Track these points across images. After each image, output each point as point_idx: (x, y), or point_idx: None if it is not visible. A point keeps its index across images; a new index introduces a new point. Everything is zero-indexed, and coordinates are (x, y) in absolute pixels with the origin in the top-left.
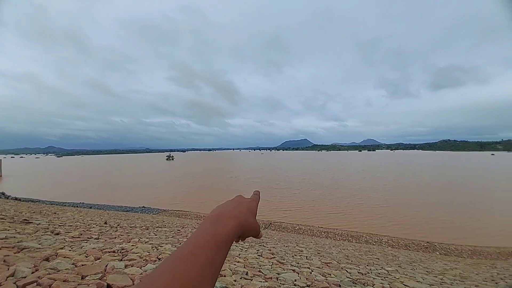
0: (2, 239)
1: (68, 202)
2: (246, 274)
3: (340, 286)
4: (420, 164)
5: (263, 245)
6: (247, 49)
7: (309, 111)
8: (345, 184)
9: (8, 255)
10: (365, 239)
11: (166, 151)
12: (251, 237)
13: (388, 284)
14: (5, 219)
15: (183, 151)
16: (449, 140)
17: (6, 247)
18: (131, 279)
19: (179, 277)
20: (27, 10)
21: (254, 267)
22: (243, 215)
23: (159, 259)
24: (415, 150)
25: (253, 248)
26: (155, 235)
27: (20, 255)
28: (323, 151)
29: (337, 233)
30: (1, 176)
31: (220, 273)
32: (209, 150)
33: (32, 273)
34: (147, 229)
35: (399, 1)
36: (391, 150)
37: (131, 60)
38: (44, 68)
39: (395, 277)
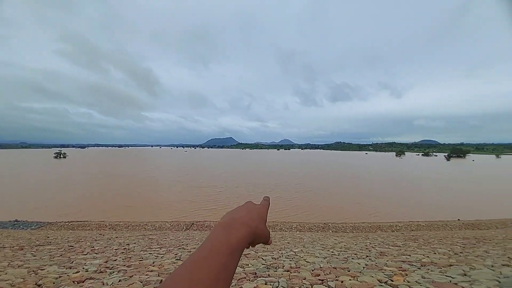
0: None
1: None
2: (160, 282)
3: (256, 273)
4: (321, 162)
5: (182, 248)
6: (170, 37)
7: (235, 110)
8: (265, 180)
9: None
10: (280, 227)
11: (56, 146)
12: (261, 243)
13: (295, 263)
14: None
15: (83, 146)
16: (340, 142)
17: None
18: None
19: (194, 282)
20: None
21: (170, 273)
22: (254, 222)
23: (38, 285)
24: (319, 150)
25: (171, 253)
26: (34, 256)
27: None
28: (247, 149)
29: None
30: None
31: (129, 286)
32: (120, 146)
33: None
34: (22, 249)
35: (311, 21)
36: (302, 149)
37: (4, 22)
38: None
39: (300, 256)
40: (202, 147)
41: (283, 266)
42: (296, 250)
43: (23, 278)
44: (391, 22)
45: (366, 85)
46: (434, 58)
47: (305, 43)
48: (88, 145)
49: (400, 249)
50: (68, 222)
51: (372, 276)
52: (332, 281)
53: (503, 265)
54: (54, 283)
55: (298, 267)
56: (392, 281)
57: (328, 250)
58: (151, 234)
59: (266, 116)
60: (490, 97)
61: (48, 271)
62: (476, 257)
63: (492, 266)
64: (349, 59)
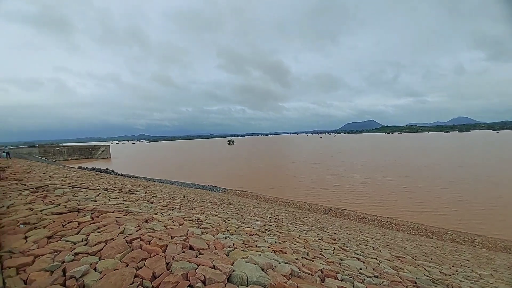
0: (114, 205)
1: (156, 179)
2: (307, 255)
3: (416, 283)
4: None
5: (324, 230)
6: (291, 23)
7: (375, 87)
8: (433, 172)
9: (119, 217)
10: (451, 237)
11: (228, 136)
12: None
13: None
14: (116, 190)
15: (242, 136)
16: None
17: (117, 211)
18: (206, 244)
19: None
20: (90, 14)
21: (315, 250)
22: None
23: (227, 230)
24: None
25: (313, 231)
26: (223, 210)
27: (127, 217)
28: (394, 133)
29: (412, 227)
30: (110, 157)
31: (282, 250)
32: (267, 134)
33: (137, 231)
34: (216, 204)
35: None
36: (494, 130)
37: (185, 52)
38: (120, 68)
39: (488, 282)
40: (338, 133)
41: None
42: (482, 272)
43: (218, 224)
44: None
45: None
46: None
47: None
48: (246, 134)
49: None
50: (238, 190)
51: None
52: None
53: None
54: (235, 230)
55: None
56: None
57: None
58: (293, 211)
59: (423, 88)
60: None
61: (231, 221)
62: None
63: None
64: None
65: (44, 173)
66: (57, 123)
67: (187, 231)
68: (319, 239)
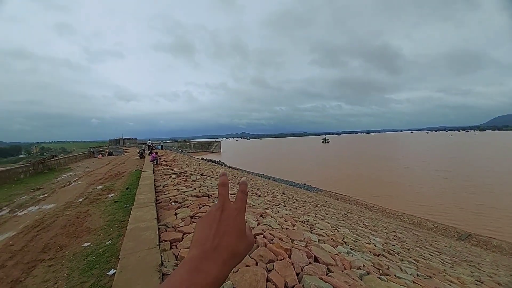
0: (232, 194)
1: (255, 172)
2: None
3: None
4: None
5: (476, 266)
6: None
7: None
8: None
9: None
10: None
11: (322, 134)
12: None
13: None
14: (229, 181)
15: (338, 134)
16: None
17: None
18: (332, 258)
19: None
20: (206, 36)
21: None
22: (229, 248)
23: (344, 242)
24: None
25: (460, 266)
26: (326, 214)
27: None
28: None
29: None
30: (220, 151)
31: None
32: (368, 132)
33: (257, 225)
34: (316, 206)
35: None
36: None
37: (278, 54)
38: (226, 77)
39: None
40: (481, 130)
41: None
42: None
43: (332, 232)
44: None
45: None
46: None
47: None
48: (342, 132)
49: None
50: (334, 192)
51: None
52: None
53: None
54: (354, 244)
55: None
56: None
57: None
58: (412, 228)
59: None
60: None
61: (344, 231)
62: None
63: None
64: None
65: (182, 162)
66: (188, 124)
67: (303, 234)
68: (479, 281)
